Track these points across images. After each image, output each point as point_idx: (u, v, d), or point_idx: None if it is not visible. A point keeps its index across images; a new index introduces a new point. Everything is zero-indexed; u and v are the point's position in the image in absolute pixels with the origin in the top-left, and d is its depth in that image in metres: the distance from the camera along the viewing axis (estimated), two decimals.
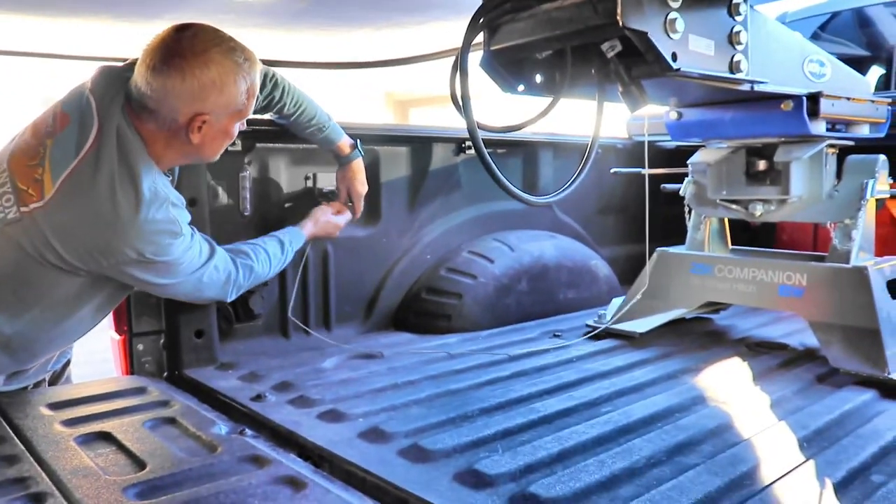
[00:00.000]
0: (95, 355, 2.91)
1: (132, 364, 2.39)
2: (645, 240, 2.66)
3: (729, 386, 2.11)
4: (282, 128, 2.43)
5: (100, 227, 1.76)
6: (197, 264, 1.97)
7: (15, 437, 1.70)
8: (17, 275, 1.80)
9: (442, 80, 2.10)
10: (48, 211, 1.75)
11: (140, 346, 2.39)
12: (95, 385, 2.14)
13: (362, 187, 2.54)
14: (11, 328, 1.85)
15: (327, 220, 2.49)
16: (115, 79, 1.84)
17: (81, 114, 1.80)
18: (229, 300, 2.18)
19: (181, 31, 1.77)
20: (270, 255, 2.24)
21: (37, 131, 1.84)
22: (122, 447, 1.68)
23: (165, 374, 2.42)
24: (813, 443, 1.68)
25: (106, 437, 1.74)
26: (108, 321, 2.42)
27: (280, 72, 2.27)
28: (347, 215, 2.56)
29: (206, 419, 1.85)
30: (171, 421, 1.85)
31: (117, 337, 2.40)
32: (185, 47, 1.74)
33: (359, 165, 2.51)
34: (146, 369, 2.40)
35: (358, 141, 2.50)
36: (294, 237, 2.36)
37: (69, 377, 2.32)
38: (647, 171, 2.51)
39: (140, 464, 1.58)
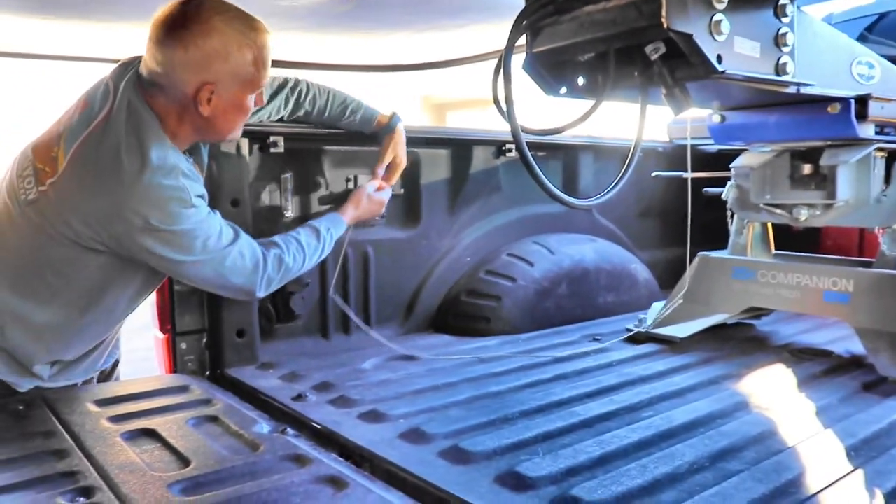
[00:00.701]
0: (135, 353, 2.95)
1: (175, 362, 2.42)
2: (685, 244, 2.64)
3: (772, 392, 2.08)
4: (323, 127, 2.45)
5: (105, 191, 1.75)
6: (217, 245, 1.90)
7: (64, 432, 1.73)
8: (43, 259, 1.83)
9: (478, 83, 2.10)
10: (60, 184, 1.78)
11: (183, 345, 2.43)
12: (140, 383, 2.18)
13: (405, 155, 2.50)
14: (43, 316, 1.89)
15: (369, 198, 2.38)
16: (130, 64, 1.89)
17: (98, 97, 1.86)
18: (260, 294, 2.04)
19: (185, 3, 1.77)
20: (304, 245, 2.13)
21: (59, 120, 1.89)
22: (166, 444, 1.70)
23: (207, 372, 2.45)
24: (861, 452, 1.65)
25: (151, 434, 1.77)
26: (152, 320, 2.46)
27: (321, 74, 2.30)
28: (388, 191, 2.47)
29: (248, 418, 1.87)
30: (214, 419, 1.87)
31: (161, 336, 2.44)
32: (188, 18, 1.74)
33: (401, 131, 2.48)
34: (188, 368, 2.43)
35: (395, 112, 2.49)
36: (333, 223, 2.26)
37: (118, 377, 2.35)
38: (689, 175, 2.48)
39: (184, 461, 1.60)
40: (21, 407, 1.89)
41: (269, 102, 2.27)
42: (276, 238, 2.12)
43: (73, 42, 2.46)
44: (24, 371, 1.94)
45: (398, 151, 2.48)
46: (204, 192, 1.91)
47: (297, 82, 2.33)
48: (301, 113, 2.38)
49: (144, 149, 1.78)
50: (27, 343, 1.91)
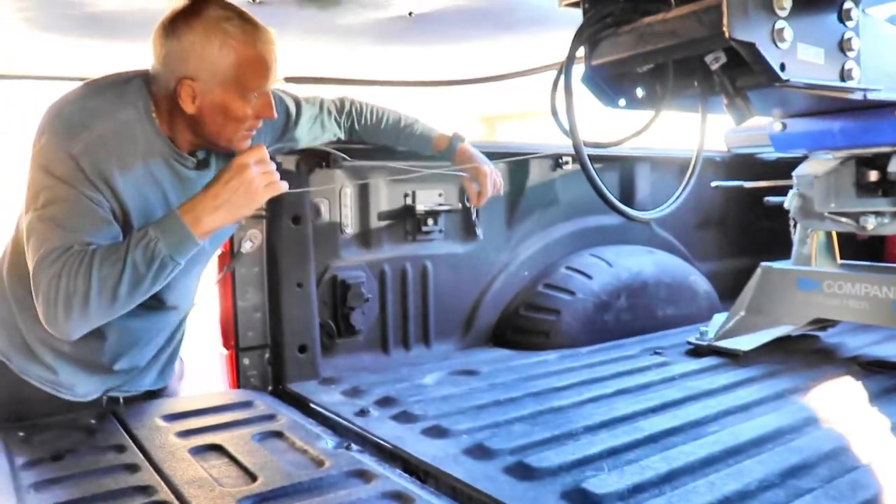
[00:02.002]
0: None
1: (239, 378, 2.46)
2: (744, 254, 2.60)
3: (842, 407, 2.03)
4: (381, 146, 2.47)
5: None
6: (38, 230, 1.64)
7: (135, 447, 1.77)
8: None
9: (525, 95, 2.10)
10: None
11: (246, 361, 2.46)
12: (205, 398, 2.21)
13: (485, 165, 2.32)
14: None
15: (238, 178, 1.69)
16: None
17: None
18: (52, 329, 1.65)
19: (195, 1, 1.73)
20: (94, 265, 1.60)
21: None
22: (233, 459, 1.73)
23: (270, 387, 2.48)
24: None
25: (217, 449, 1.80)
26: (216, 338, 2.50)
27: (379, 91, 2.32)
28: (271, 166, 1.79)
29: (312, 433, 1.88)
30: (279, 435, 1.89)
31: (225, 352, 2.48)
32: (183, 12, 1.71)
33: (467, 148, 2.35)
34: (251, 383, 2.46)
35: (455, 133, 2.39)
36: (148, 238, 1.63)
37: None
38: (727, 184, 2.44)
39: (252, 476, 1.62)
40: (93, 421, 1.94)
41: (325, 127, 2.27)
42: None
43: (108, 62, 2.52)
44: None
45: (474, 168, 2.32)
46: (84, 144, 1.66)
47: (351, 105, 2.32)
48: (355, 136, 2.36)
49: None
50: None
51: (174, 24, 1.69)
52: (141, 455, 1.73)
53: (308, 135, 2.26)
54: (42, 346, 1.88)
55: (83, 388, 1.98)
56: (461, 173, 2.33)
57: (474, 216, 2.30)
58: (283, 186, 1.75)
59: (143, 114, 1.75)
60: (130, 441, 1.81)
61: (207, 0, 1.71)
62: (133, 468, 1.64)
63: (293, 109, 2.19)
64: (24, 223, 1.66)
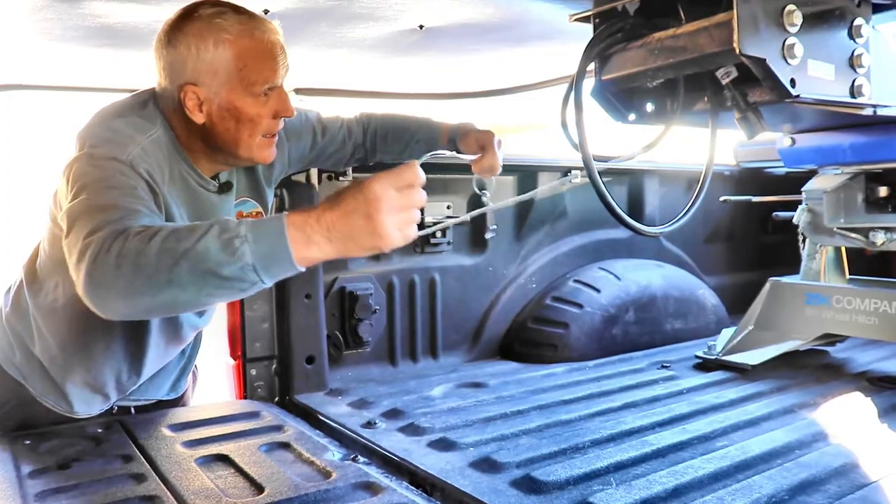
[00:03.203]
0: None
1: (246, 388, 2.46)
2: (753, 269, 2.59)
3: (852, 422, 2.02)
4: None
5: None
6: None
7: (141, 457, 1.77)
8: None
9: (532, 107, 2.09)
10: None
11: (253, 371, 2.47)
12: (212, 408, 2.22)
13: (484, 134, 2.04)
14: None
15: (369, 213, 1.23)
16: None
17: None
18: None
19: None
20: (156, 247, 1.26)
21: None
22: (240, 470, 1.73)
23: (277, 398, 2.48)
24: None
25: (224, 460, 1.80)
26: (224, 349, 2.51)
27: (391, 103, 2.30)
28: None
29: (319, 445, 1.88)
30: (286, 446, 1.89)
31: (232, 362, 2.48)
32: (174, 19, 1.62)
33: (471, 126, 2.11)
34: (258, 394, 2.47)
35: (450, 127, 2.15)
36: (217, 242, 1.23)
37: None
38: (736, 199, 2.44)
39: (258, 487, 1.62)
40: (100, 430, 1.95)
41: (337, 150, 2.17)
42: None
43: (124, 73, 2.53)
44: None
45: (477, 136, 2.05)
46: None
47: (369, 120, 2.19)
48: (378, 143, 2.20)
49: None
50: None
51: (168, 34, 1.61)
52: (147, 465, 1.73)
53: (335, 153, 2.17)
54: (60, 373, 1.86)
55: (97, 408, 1.98)
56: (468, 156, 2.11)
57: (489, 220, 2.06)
58: (414, 232, 1.32)
59: (167, 133, 1.68)
60: (137, 451, 1.82)
61: (198, 3, 1.62)
62: (139, 478, 1.64)
63: (318, 127, 2.11)
64: (64, 214, 1.43)
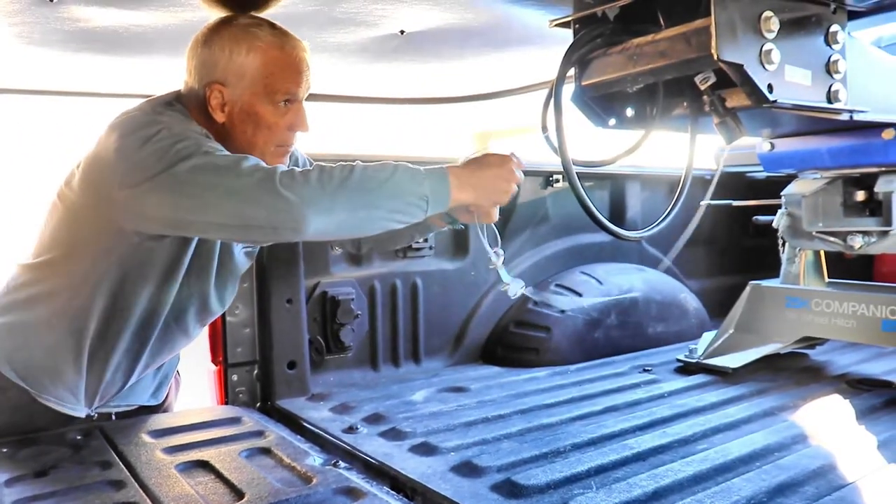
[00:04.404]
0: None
1: (227, 394, 2.45)
2: (734, 272, 2.60)
3: (830, 425, 2.03)
4: None
5: None
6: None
7: (121, 463, 1.76)
8: None
9: (517, 111, 2.10)
10: None
11: (234, 377, 2.46)
12: (192, 414, 2.20)
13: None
14: None
15: (497, 172, 1.73)
16: None
17: None
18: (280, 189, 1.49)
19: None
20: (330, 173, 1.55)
21: None
22: (220, 476, 1.72)
23: (258, 404, 2.47)
24: None
25: (204, 466, 1.79)
26: (205, 354, 2.49)
27: (374, 108, 2.30)
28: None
29: (300, 450, 1.87)
30: (267, 451, 1.88)
31: (213, 367, 2.47)
32: (214, 24, 1.73)
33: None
34: (240, 399, 2.46)
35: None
36: (407, 175, 1.60)
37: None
38: (709, 203, 2.44)
39: (238, 493, 1.61)
40: (79, 437, 1.93)
41: None
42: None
43: (106, 77, 2.52)
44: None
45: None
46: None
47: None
48: None
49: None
50: None
51: (205, 36, 1.72)
52: (127, 471, 1.71)
53: None
54: (71, 356, 1.84)
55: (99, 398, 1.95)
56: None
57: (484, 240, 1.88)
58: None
59: (200, 131, 1.72)
60: (116, 457, 1.80)
61: (237, 14, 1.74)
62: (118, 485, 1.63)
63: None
64: (154, 186, 1.54)
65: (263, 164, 1.56)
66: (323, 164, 1.64)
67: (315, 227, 1.52)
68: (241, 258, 2.02)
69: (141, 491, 1.61)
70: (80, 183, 1.72)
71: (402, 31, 2.06)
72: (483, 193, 1.72)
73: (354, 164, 1.58)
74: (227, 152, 1.63)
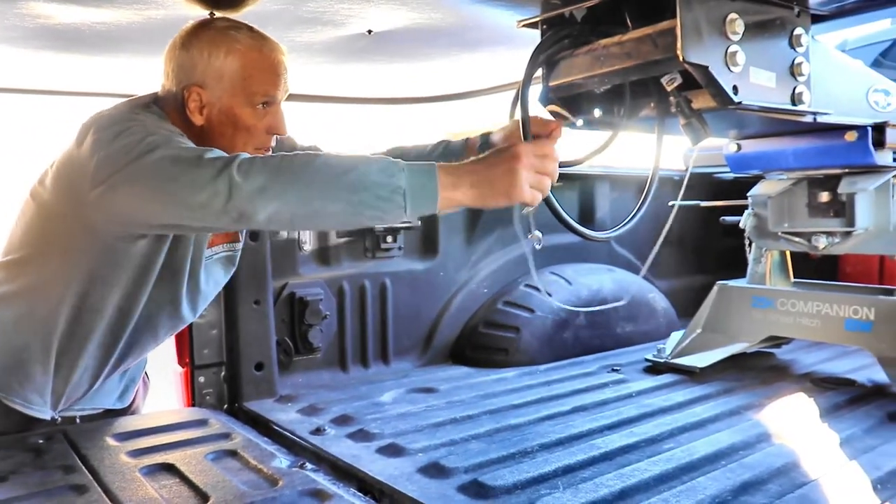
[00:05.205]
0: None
1: (194, 396, 2.43)
2: (703, 272, 2.62)
3: (795, 423, 2.06)
4: None
5: None
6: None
7: (83, 467, 1.73)
8: None
9: (485, 111, 2.10)
10: None
11: (201, 379, 2.43)
12: (158, 416, 2.18)
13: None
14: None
15: (509, 167, 1.53)
16: None
17: None
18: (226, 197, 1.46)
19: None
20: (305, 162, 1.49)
21: None
22: (185, 479, 1.70)
23: (226, 406, 2.45)
24: (887, 485, 1.62)
25: (170, 469, 1.77)
26: (171, 355, 2.47)
27: (343, 108, 2.29)
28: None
29: (267, 452, 1.86)
30: (233, 453, 1.86)
31: (180, 369, 2.45)
32: (192, 27, 1.72)
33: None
34: (207, 401, 2.43)
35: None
36: (377, 167, 1.48)
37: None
38: (678, 203, 2.45)
39: (203, 496, 1.59)
40: (41, 441, 1.90)
41: None
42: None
43: (80, 77, 2.49)
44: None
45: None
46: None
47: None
48: None
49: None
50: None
51: (183, 39, 1.71)
52: (90, 476, 1.69)
53: None
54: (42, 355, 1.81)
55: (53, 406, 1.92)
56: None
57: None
58: (540, 197, 1.59)
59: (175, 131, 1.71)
60: (79, 461, 1.77)
61: (217, 17, 1.74)
62: (81, 489, 1.61)
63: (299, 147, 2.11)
64: (146, 167, 1.52)
65: (226, 155, 1.52)
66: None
67: (265, 215, 1.46)
68: (217, 268, 1.99)
69: (104, 495, 1.58)
70: (53, 182, 1.70)
71: (369, 31, 2.06)
72: (489, 194, 1.52)
73: (324, 153, 1.52)
74: (196, 146, 1.61)
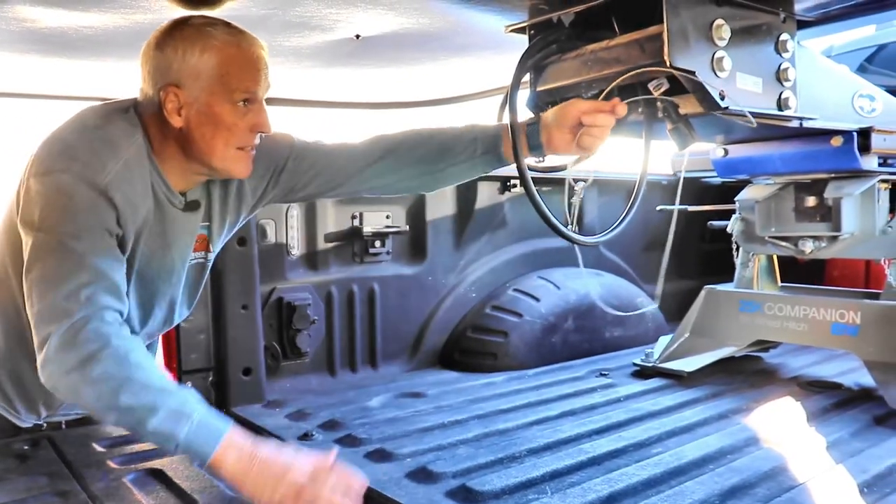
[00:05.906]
0: None
1: None
2: (691, 277, 2.63)
3: (782, 427, 2.06)
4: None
5: None
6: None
7: (69, 474, 1.73)
8: None
9: (476, 118, 2.08)
10: None
11: (189, 383, 2.42)
12: None
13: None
14: None
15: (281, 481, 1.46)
16: None
17: None
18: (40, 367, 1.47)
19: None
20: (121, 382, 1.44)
21: None
22: (172, 485, 1.70)
23: None
24: (874, 488, 1.63)
25: (157, 475, 1.77)
26: (159, 361, 2.45)
27: (330, 112, 2.29)
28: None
29: None
30: None
31: (167, 374, 2.43)
32: (167, 27, 1.66)
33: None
34: None
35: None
36: (173, 420, 1.43)
37: None
38: (672, 208, 2.46)
39: (191, 501, 1.59)
40: (26, 447, 1.89)
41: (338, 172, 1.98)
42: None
43: (68, 81, 2.47)
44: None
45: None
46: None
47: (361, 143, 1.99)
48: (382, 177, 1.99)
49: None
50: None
51: (158, 39, 1.65)
52: (76, 482, 1.68)
53: (316, 178, 1.96)
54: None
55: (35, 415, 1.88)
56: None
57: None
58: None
59: (143, 143, 1.67)
60: (65, 468, 1.77)
61: (191, 15, 1.68)
62: (66, 495, 1.60)
63: (296, 142, 1.97)
64: (29, 255, 1.54)
65: (78, 305, 1.47)
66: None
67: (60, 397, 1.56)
68: (190, 275, 1.94)
69: (90, 502, 1.58)
70: (14, 199, 1.68)
71: (357, 36, 2.05)
72: (252, 490, 1.44)
73: (128, 361, 1.46)
74: (84, 239, 1.54)
